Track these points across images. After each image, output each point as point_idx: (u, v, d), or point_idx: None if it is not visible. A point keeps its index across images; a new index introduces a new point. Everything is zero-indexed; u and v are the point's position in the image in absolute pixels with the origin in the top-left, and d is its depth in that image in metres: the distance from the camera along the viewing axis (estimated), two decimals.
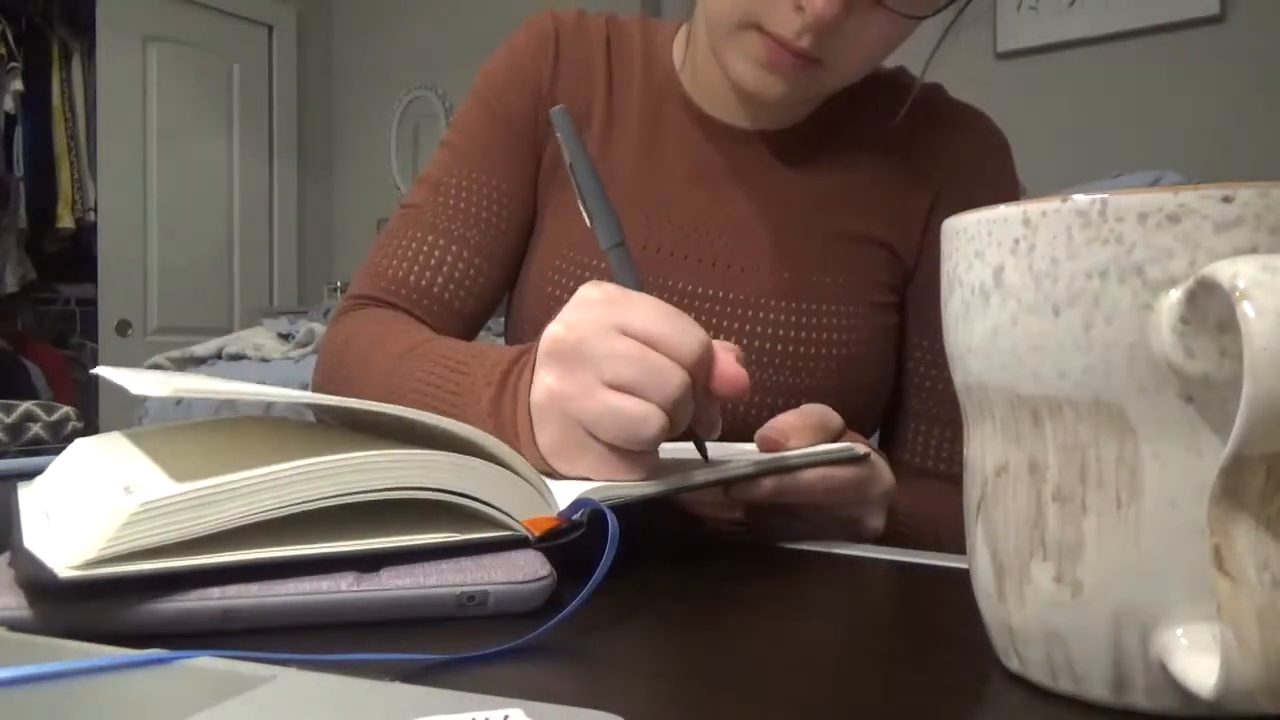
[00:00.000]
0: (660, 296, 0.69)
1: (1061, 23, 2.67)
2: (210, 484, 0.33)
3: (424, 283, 0.72)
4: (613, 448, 0.45)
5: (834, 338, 0.71)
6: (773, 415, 0.55)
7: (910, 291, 0.75)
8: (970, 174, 0.75)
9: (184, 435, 0.48)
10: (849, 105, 0.75)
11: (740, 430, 0.61)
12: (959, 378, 0.31)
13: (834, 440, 0.55)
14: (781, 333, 0.70)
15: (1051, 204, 0.26)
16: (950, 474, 0.73)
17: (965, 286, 0.29)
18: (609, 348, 0.44)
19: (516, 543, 0.38)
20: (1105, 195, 0.25)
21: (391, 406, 0.39)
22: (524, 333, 0.76)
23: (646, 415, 0.44)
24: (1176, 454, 0.25)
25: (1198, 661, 0.25)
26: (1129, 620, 0.26)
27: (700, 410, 0.47)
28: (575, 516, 0.39)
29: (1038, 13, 2.70)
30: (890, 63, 0.75)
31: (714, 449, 0.52)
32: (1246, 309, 0.22)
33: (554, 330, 0.46)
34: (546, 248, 0.75)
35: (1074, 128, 2.64)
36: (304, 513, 0.35)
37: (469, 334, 0.76)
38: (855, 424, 0.60)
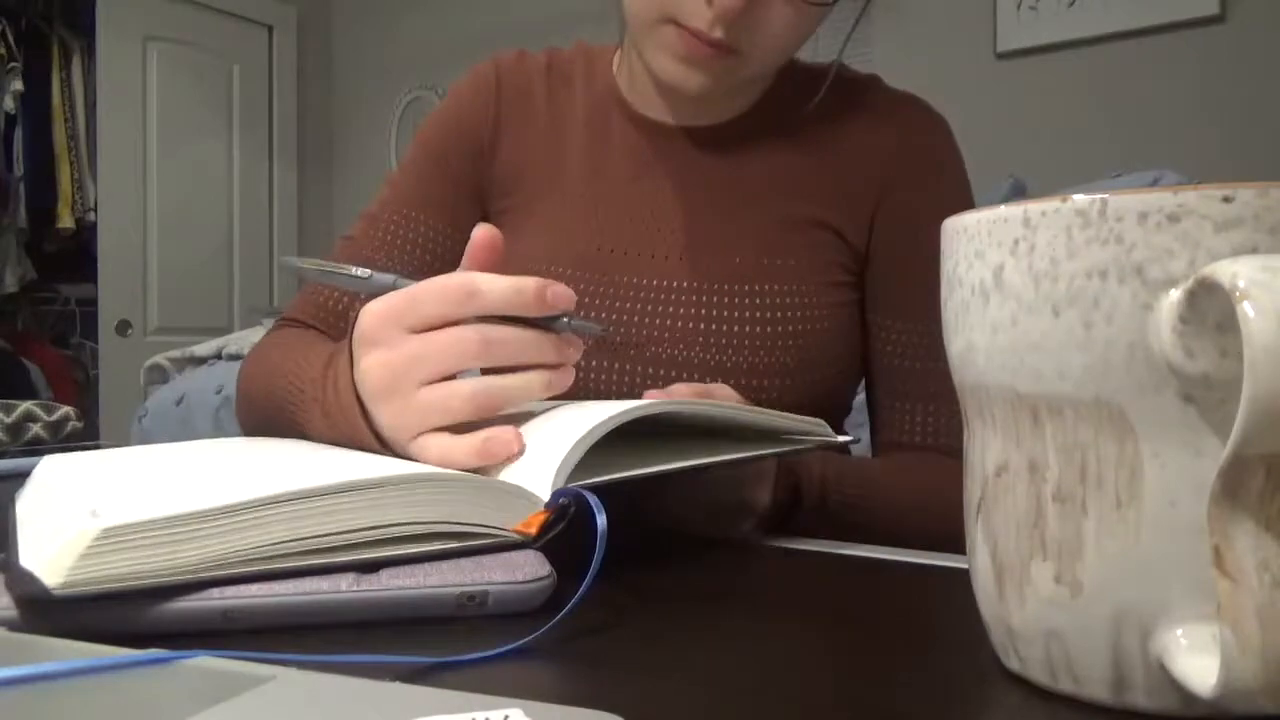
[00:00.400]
0: (613, 293, 0.74)
1: (1061, 23, 2.67)
2: (179, 515, 0.33)
3: (341, 307, 0.77)
4: (455, 433, 0.46)
5: (790, 315, 0.72)
6: (740, 398, 0.57)
7: (869, 275, 0.76)
8: (916, 159, 0.76)
9: (180, 455, 0.48)
10: (784, 99, 0.78)
11: None
12: (959, 378, 0.31)
13: None
14: (738, 314, 0.72)
15: (1051, 204, 0.26)
16: (935, 445, 0.74)
17: (965, 286, 0.29)
18: (407, 353, 0.46)
19: (518, 544, 0.38)
20: (1105, 195, 0.25)
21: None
22: None
23: (473, 392, 0.46)
24: (1176, 454, 0.25)
25: (1198, 661, 0.25)
26: (1129, 620, 0.26)
27: (518, 342, 0.47)
28: (561, 501, 0.39)
29: (1037, 13, 2.70)
30: (901, 72, 0.75)
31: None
32: (1246, 309, 0.22)
33: (363, 375, 0.47)
34: (508, 269, 0.76)
35: (1074, 128, 2.64)
36: None
37: None
38: (822, 400, 0.64)
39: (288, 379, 0.59)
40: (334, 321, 0.78)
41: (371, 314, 0.47)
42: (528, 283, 0.46)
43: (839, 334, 0.75)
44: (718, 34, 0.63)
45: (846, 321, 0.75)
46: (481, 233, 0.51)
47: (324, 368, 0.53)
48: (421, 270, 0.79)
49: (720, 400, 0.55)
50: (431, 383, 0.46)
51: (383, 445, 0.48)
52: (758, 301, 0.72)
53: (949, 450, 0.72)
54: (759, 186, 0.76)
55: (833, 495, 0.62)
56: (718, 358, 0.71)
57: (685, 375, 0.72)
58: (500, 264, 0.51)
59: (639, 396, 0.72)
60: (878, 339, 0.76)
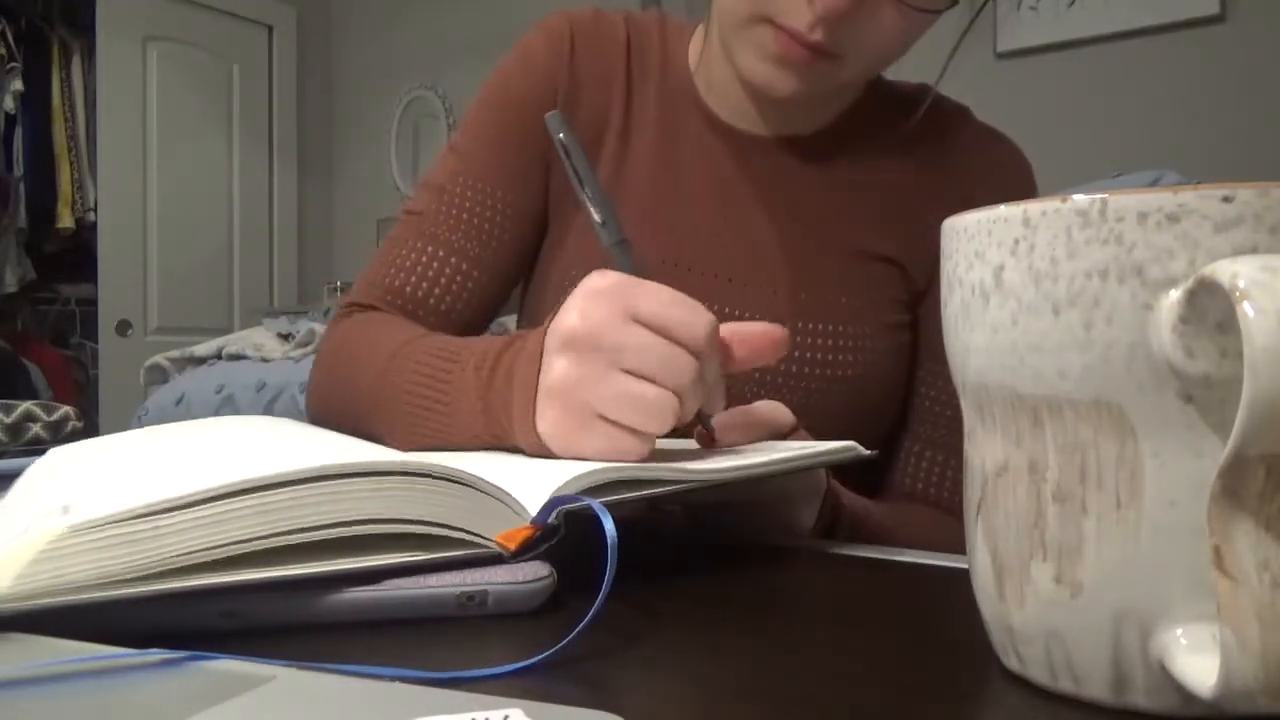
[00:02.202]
0: None
1: (1061, 23, 2.66)
2: (145, 513, 0.32)
3: (420, 294, 0.72)
4: (619, 428, 0.45)
5: (846, 359, 0.69)
6: (786, 413, 0.55)
7: (921, 312, 0.74)
8: (994, 200, 0.73)
9: (159, 441, 0.47)
10: (869, 116, 0.74)
11: None
12: (959, 377, 0.31)
13: (781, 437, 0.55)
14: (795, 354, 0.69)
15: (1051, 204, 0.26)
16: (937, 498, 0.72)
17: (965, 286, 0.29)
18: (623, 335, 0.45)
19: (494, 557, 0.37)
20: (1105, 195, 0.25)
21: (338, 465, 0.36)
22: None
23: (660, 400, 0.45)
24: (1176, 454, 0.25)
25: (1198, 661, 0.25)
26: (1129, 620, 0.26)
27: (708, 392, 0.48)
28: (550, 520, 0.37)
29: (1038, 13, 2.70)
30: (901, 73, 0.74)
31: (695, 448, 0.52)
32: (1246, 309, 0.22)
33: (567, 319, 0.46)
34: (569, 257, 0.73)
35: (1074, 128, 2.64)
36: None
37: None
38: (860, 443, 0.59)
39: (417, 365, 0.56)
40: (402, 304, 0.72)
41: (604, 277, 0.47)
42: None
43: (889, 381, 0.72)
44: (817, 36, 0.60)
45: (897, 367, 0.72)
46: (777, 334, 0.51)
47: (501, 348, 0.51)
48: (494, 247, 0.73)
49: (763, 418, 0.54)
50: (629, 373, 0.45)
51: (536, 440, 0.47)
52: (822, 342, 0.69)
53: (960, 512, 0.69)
54: (831, 212, 0.72)
55: (840, 529, 0.59)
56: (765, 395, 0.68)
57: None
58: (761, 360, 0.51)
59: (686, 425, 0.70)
60: (924, 383, 0.73)
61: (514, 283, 0.77)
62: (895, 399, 0.73)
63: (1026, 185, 0.75)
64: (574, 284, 0.71)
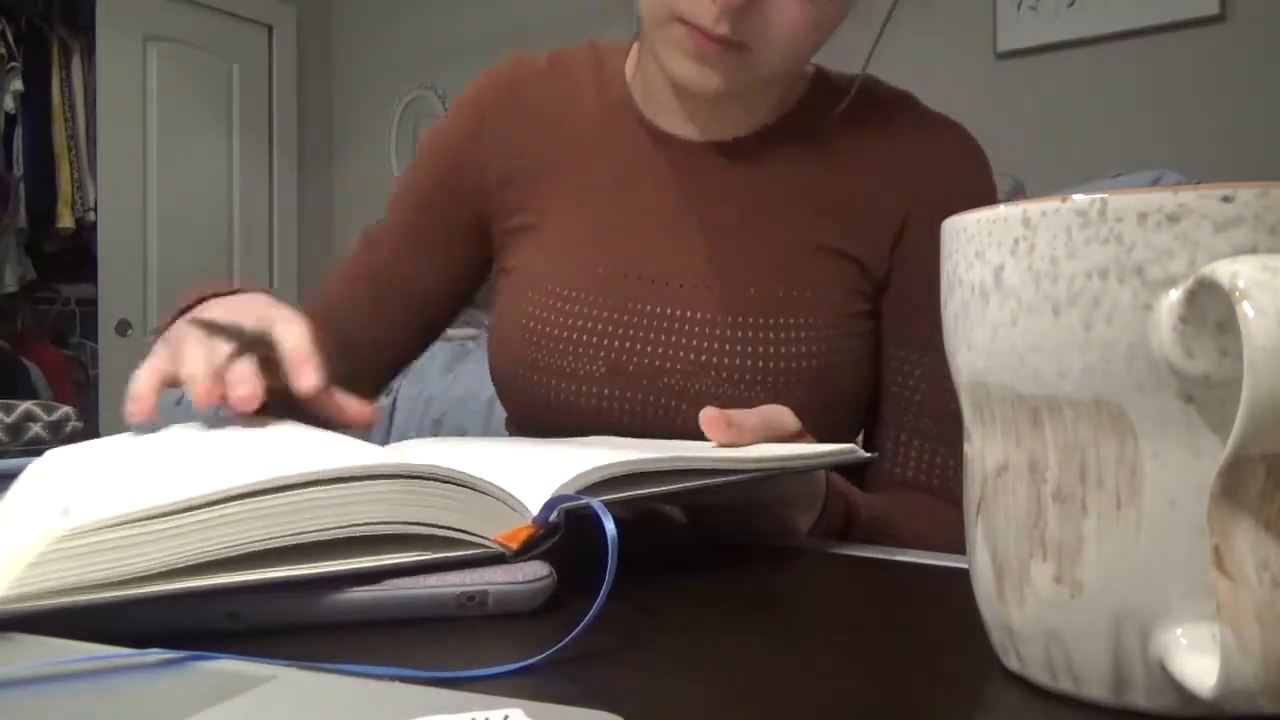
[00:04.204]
0: (627, 320, 0.72)
1: (1061, 23, 2.66)
2: (143, 517, 0.32)
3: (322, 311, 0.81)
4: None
5: (808, 350, 0.70)
6: (795, 420, 0.55)
7: (885, 302, 0.74)
8: (946, 189, 0.73)
9: (162, 444, 0.47)
10: (810, 112, 0.75)
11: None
12: (958, 377, 0.31)
13: (787, 440, 0.55)
14: (754, 349, 0.70)
15: (1051, 204, 0.26)
16: (928, 485, 0.73)
17: (965, 286, 0.29)
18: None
19: (495, 557, 0.37)
20: (1105, 195, 0.25)
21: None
22: (510, 373, 0.77)
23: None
24: (1176, 454, 0.25)
25: (1197, 661, 0.25)
26: (1129, 620, 0.26)
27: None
28: (551, 518, 0.37)
29: (1038, 13, 2.70)
30: (901, 74, 0.74)
31: (694, 449, 0.52)
32: (1246, 309, 0.22)
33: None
34: (517, 289, 0.77)
35: (1074, 128, 2.64)
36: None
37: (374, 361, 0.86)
38: (834, 435, 0.60)
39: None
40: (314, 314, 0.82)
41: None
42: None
43: (854, 369, 0.72)
44: (723, 29, 0.62)
45: (862, 355, 0.73)
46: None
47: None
48: (395, 299, 0.83)
49: (771, 420, 0.54)
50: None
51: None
52: (777, 335, 0.70)
53: (957, 500, 0.70)
54: (776, 209, 0.73)
55: (854, 529, 0.60)
56: (731, 392, 0.69)
57: (697, 409, 0.70)
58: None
59: (646, 424, 0.71)
60: (898, 371, 0.74)
61: (413, 329, 0.86)
62: (864, 387, 0.74)
63: (977, 169, 0.75)
64: (543, 295, 0.75)
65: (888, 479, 0.74)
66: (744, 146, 0.75)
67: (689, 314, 0.71)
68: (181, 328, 0.56)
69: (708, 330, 0.71)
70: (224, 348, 0.52)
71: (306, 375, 0.52)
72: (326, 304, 0.84)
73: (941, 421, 0.72)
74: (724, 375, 0.70)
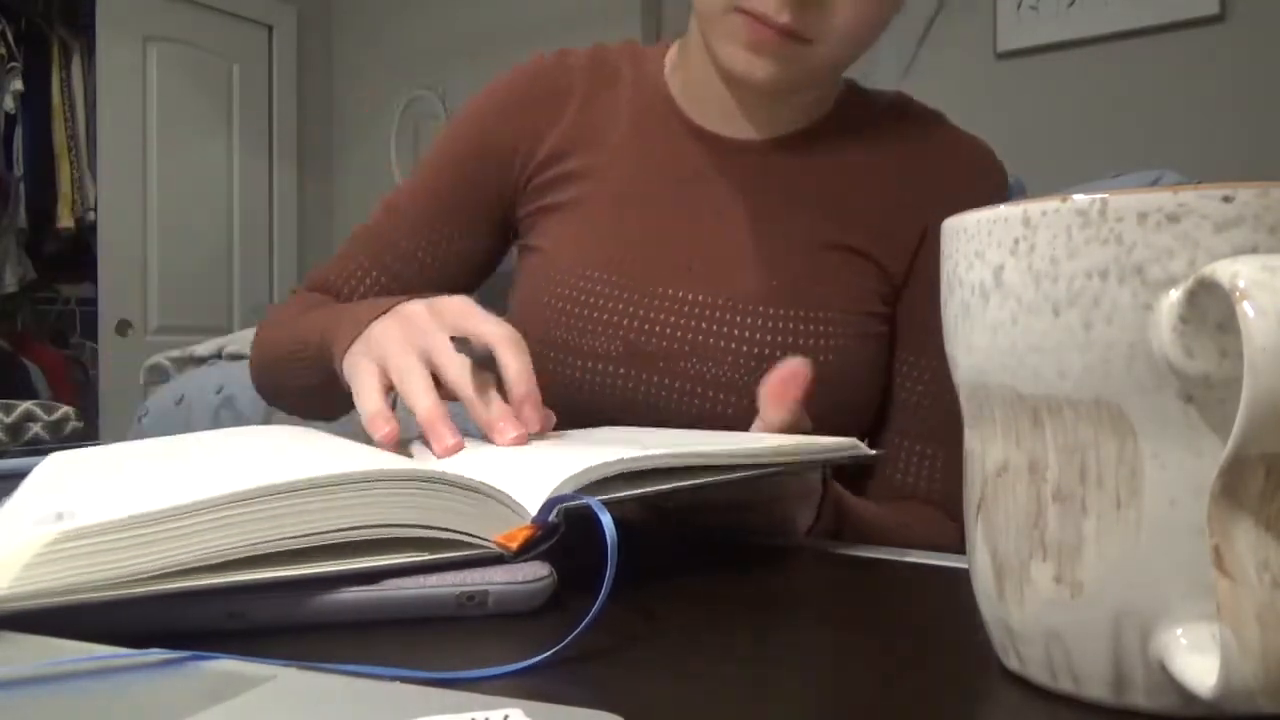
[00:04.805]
0: (646, 301, 0.73)
1: (1061, 23, 2.66)
2: (137, 520, 0.32)
3: (342, 296, 0.81)
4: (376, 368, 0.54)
5: (821, 344, 0.71)
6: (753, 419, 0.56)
7: (902, 310, 0.75)
8: (966, 203, 0.73)
9: (161, 452, 0.48)
10: (843, 121, 0.76)
11: (726, 427, 0.64)
12: (959, 377, 0.31)
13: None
14: (769, 338, 0.71)
15: (1051, 204, 0.26)
16: (929, 493, 0.73)
17: (965, 286, 0.29)
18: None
19: (491, 558, 0.37)
20: (1105, 195, 0.25)
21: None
22: (541, 353, 0.76)
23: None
24: (1176, 454, 0.25)
25: (1197, 661, 0.25)
26: (1129, 620, 0.26)
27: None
28: (551, 518, 0.37)
29: (1038, 13, 2.70)
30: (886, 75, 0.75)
31: (698, 441, 0.52)
32: (1246, 309, 0.22)
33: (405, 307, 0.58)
34: (540, 267, 0.77)
35: (1074, 128, 2.64)
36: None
37: None
38: (841, 433, 0.60)
39: (322, 318, 0.67)
40: (329, 295, 0.82)
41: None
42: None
43: (866, 367, 0.73)
44: (784, 19, 0.63)
45: (875, 355, 0.73)
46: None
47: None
48: (416, 269, 0.81)
49: (791, 377, 0.55)
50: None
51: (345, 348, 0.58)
52: (795, 326, 0.71)
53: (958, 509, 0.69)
54: (802, 207, 0.74)
55: (847, 530, 0.60)
56: (744, 379, 0.70)
57: (712, 392, 0.70)
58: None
59: (662, 407, 0.72)
60: (906, 377, 0.74)
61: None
62: (874, 392, 0.74)
63: (996, 189, 0.77)
64: (574, 276, 0.74)
65: (890, 486, 0.74)
66: (777, 146, 0.76)
67: (706, 298, 0.72)
68: (391, 334, 0.55)
69: (728, 316, 0.71)
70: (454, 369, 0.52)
71: (526, 422, 0.52)
72: (340, 273, 0.83)
73: (947, 428, 0.72)
74: (739, 361, 0.71)
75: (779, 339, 0.71)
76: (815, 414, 0.57)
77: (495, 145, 0.80)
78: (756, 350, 0.71)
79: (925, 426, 0.73)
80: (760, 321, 0.71)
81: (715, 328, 0.71)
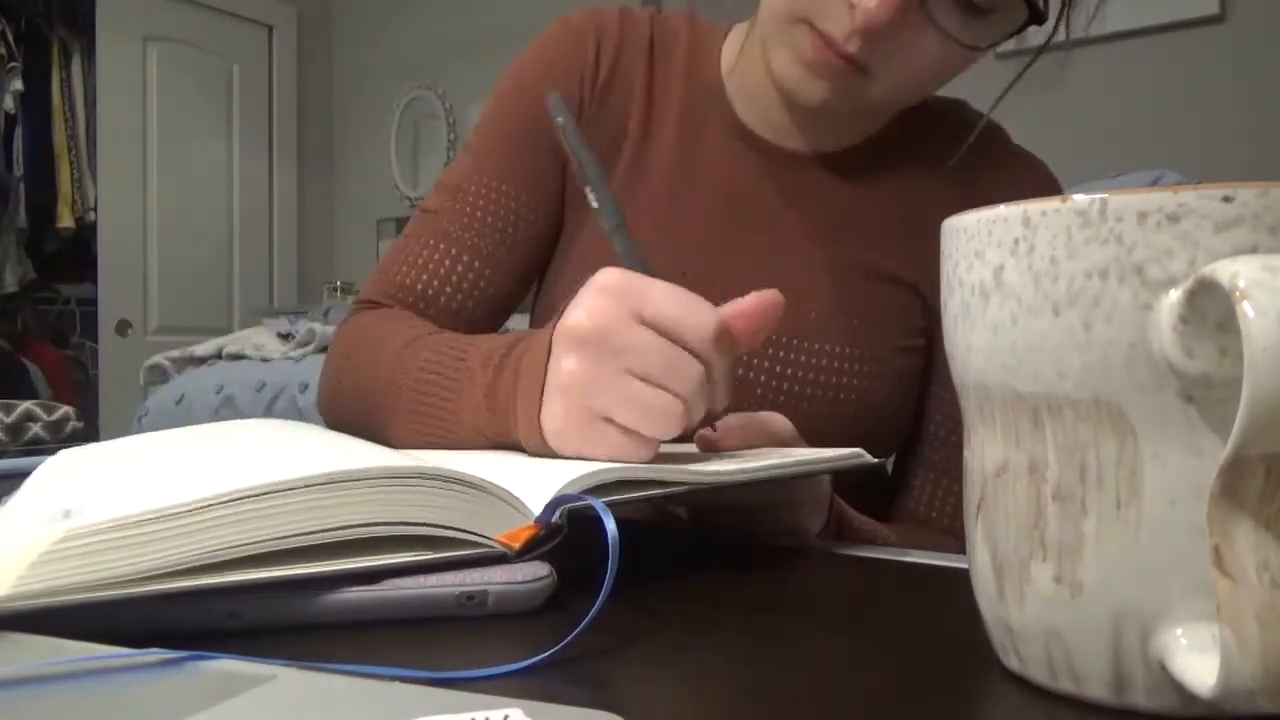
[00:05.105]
0: None
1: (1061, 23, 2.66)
2: (143, 517, 0.32)
3: (430, 291, 0.71)
4: (627, 432, 0.45)
5: (851, 382, 0.68)
6: (793, 430, 0.55)
7: (937, 335, 0.72)
8: None
9: (167, 446, 0.48)
10: (902, 136, 0.73)
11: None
12: (958, 377, 0.31)
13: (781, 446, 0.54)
14: (800, 374, 0.68)
15: (1051, 204, 0.26)
16: (952, 529, 0.71)
17: (965, 286, 0.29)
18: (631, 337, 0.45)
19: (492, 558, 0.37)
20: (1105, 195, 0.25)
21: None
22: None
23: (668, 407, 0.44)
24: (1176, 454, 0.25)
25: (1198, 661, 0.25)
26: (1129, 620, 0.26)
27: (714, 391, 0.48)
28: (554, 519, 0.37)
29: None
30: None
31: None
32: (1246, 309, 0.22)
33: (575, 317, 0.46)
34: (584, 253, 0.73)
35: (1074, 128, 2.63)
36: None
37: None
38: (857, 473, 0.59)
39: (423, 361, 0.56)
40: (414, 301, 0.71)
41: (612, 275, 0.46)
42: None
43: (896, 405, 0.70)
44: (852, 47, 0.59)
45: (906, 391, 0.71)
46: (771, 301, 0.49)
47: (508, 346, 0.51)
48: (507, 245, 0.72)
49: (764, 424, 0.53)
50: (637, 377, 0.44)
51: (540, 439, 0.47)
52: (823, 363, 0.68)
53: None
54: (849, 231, 0.71)
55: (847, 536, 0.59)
56: (766, 410, 0.68)
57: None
58: (762, 332, 0.50)
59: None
60: (936, 410, 0.72)
61: (528, 282, 0.76)
62: (903, 425, 0.72)
63: None
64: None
65: (910, 518, 0.72)
66: (827, 161, 0.72)
67: None
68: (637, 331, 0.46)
69: (758, 349, 0.68)
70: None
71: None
72: (419, 268, 0.71)
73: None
74: (763, 394, 0.68)
75: (811, 375, 0.68)
76: (839, 442, 0.55)
77: (565, 89, 0.72)
78: (785, 385, 0.68)
79: (948, 461, 0.71)
80: (794, 356, 0.68)
81: (744, 357, 0.68)
